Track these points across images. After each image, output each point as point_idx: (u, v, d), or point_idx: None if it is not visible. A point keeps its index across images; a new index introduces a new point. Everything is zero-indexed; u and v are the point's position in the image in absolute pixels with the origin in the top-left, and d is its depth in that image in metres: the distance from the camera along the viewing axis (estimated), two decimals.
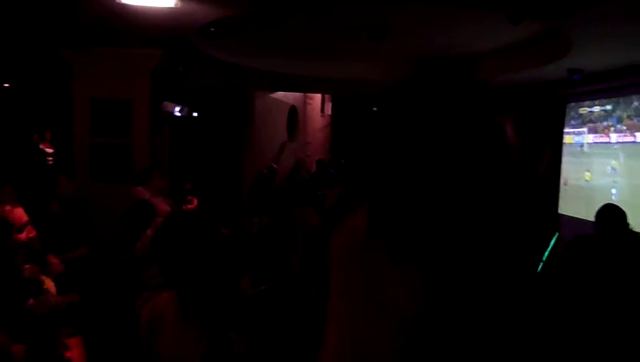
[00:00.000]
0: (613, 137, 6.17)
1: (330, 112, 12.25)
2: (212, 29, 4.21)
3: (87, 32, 4.48)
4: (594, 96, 6.23)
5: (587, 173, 6.68)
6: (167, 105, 5.24)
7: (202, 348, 1.73)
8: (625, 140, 5.97)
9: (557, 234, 1.49)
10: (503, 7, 3.23)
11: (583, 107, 6.50)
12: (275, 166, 7.70)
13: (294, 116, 10.05)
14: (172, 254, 1.74)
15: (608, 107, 6.09)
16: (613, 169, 6.24)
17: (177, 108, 5.38)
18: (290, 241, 5.86)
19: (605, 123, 6.32)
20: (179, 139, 5.91)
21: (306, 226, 5.67)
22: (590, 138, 6.60)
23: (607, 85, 5.80)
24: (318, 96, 11.33)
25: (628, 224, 2.89)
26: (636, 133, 5.75)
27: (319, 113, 11.72)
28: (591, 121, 6.64)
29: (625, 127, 5.99)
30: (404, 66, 5.68)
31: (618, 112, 6.00)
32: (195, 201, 5.62)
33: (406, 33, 4.22)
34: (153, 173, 3.95)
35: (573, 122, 6.89)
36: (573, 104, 6.64)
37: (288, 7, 3.71)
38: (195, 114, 5.91)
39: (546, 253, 1.32)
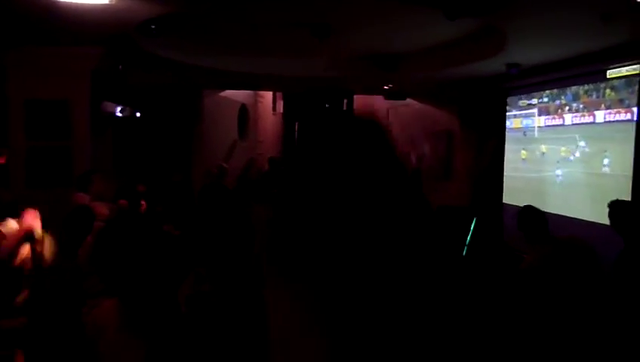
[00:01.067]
0: (568, 118, 5.76)
1: (281, 110, 12.20)
2: (152, 26, 4.10)
3: (20, 31, 4.27)
4: (531, 88, 6.46)
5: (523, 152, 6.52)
6: (108, 105, 5.07)
7: (142, 355, 1.69)
8: (582, 121, 5.54)
9: (474, 219, 1.62)
10: (440, 3, 3.31)
11: (522, 100, 6.74)
12: (224, 165, 7.60)
13: (245, 115, 9.96)
14: (110, 261, 1.69)
15: (545, 99, 6.34)
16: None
17: (119, 109, 5.21)
18: (244, 240, 5.79)
19: (558, 102, 5.92)
20: (123, 141, 5.72)
21: (260, 225, 5.64)
22: (541, 121, 6.27)
23: (544, 78, 6.04)
24: (269, 94, 11.27)
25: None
26: (596, 113, 5.32)
27: (271, 111, 11.66)
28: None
29: (582, 105, 5.57)
30: (351, 63, 5.73)
31: (557, 102, 6.15)
32: (145, 204, 5.48)
33: (348, 30, 4.25)
34: (93, 176, 3.83)
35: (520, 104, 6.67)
36: (514, 97, 6.88)
37: (227, 3, 3.66)
38: (138, 114, 5.73)
39: (468, 238, 1.47)
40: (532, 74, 5.87)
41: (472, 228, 1.46)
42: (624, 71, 5.00)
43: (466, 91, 7.07)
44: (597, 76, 5.32)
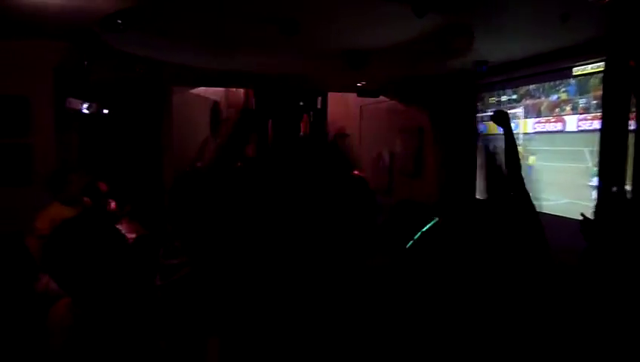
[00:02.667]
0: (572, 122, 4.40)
1: (253, 107, 12.10)
2: (119, 21, 3.99)
3: None
4: (501, 85, 6.53)
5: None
6: (73, 102, 4.93)
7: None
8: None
9: (435, 219, 1.62)
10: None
11: (492, 97, 6.79)
12: (198, 164, 7.49)
13: (217, 112, 9.85)
14: (59, 262, 1.64)
15: (514, 96, 6.42)
16: None
17: (85, 105, 5.07)
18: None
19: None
20: (90, 138, 5.57)
21: None
22: (529, 124, 5.11)
23: (512, 75, 6.11)
24: (240, 92, 11.17)
25: None
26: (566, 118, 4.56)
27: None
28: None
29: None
30: (322, 60, 5.72)
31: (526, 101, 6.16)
32: (113, 204, 5.34)
33: (316, 26, 4.23)
34: (69, 176, 3.66)
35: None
36: (484, 94, 6.95)
37: None
38: (105, 111, 5.59)
39: (418, 234, 1.48)
40: (501, 71, 5.95)
41: (427, 226, 1.45)
42: (589, 68, 5.11)
43: (436, 88, 7.13)
44: (563, 73, 5.42)
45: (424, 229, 1.54)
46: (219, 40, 4.89)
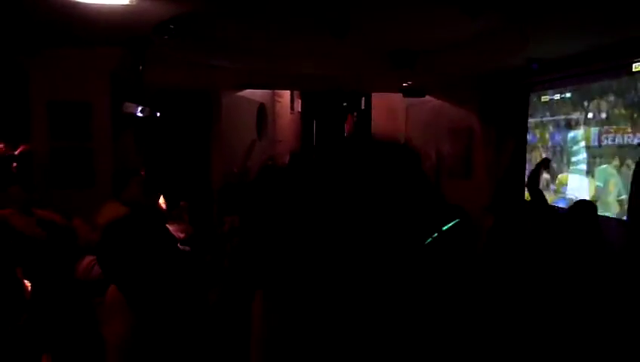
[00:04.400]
0: None
1: (300, 109, 12.21)
2: (171, 27, 4.12)
3: (40, 34, 4.34)
4: (553, 85, 6.29)
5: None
6: (129, 106, 5.13)
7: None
8: None
9: (457, 220, 1.62)
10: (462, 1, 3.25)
11: (545, 95, 6.56)
12: (248, 164, 7.64)
13: (263, 114, 9.99)
14: (112, 258, 1.70)
15: (568, 95, 6.17)
16: None
17: (139, 109, 5.27)
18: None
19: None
20: (143, 141, 5.78)
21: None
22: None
23: (565, 73, 5.89)
24: (287, 94, 11.29)
25: None
26: None
27: (289, 110, 11.68)
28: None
29: None
30: (368, 61, 5.70)
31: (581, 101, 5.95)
32: (164, 204, 5.51)
33: (367, 28, 4.22)
34: (130, 180, 3.72)
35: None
36: (536, 94, 6.73)
37: (246, 4, 3.66)
38: (157, 114, 5.79)
39: (436, 233, 1.53)
40: (553, 69, 5.73)
41: (449, 225, 1.47)
42: None
43: (486, 87, 6.96)
44: (621, 71, 5.17)
45: (444, 228, 1.57)
46: (267, 44, 4.97)
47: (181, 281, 1.77)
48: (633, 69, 5.04)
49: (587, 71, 5.59)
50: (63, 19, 3.86)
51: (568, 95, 6.10)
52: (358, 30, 4.01)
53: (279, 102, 11.13)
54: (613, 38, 4.60)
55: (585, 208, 3.35)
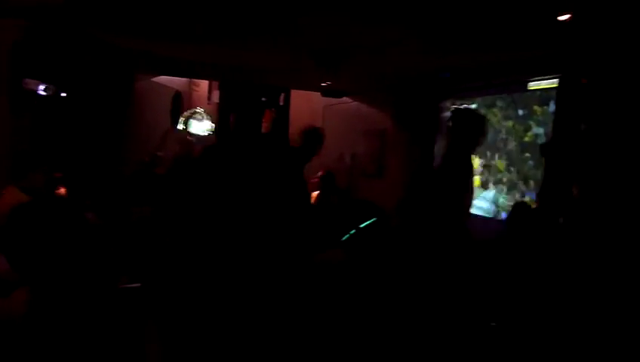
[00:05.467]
0: None
1: (217, 100, 11.96)
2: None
3: None
4: (463, 95, 6.69)
5: None
6: (30, 82, 4.73)
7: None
8: None
9: (374, 218, 1.79)
10: None
11: (455, 105, 6.95)
12: (159, 154, 7.35)
13: (179, 102, 9.68)
14: (22, 243, 1.62)
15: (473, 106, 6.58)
16: None
17: (42, 87, 4.87)
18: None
19: None
20: (45, 122, 5.35)
21: None
22: None
23: (474, 84, 6.29)
24: (204, 83, 11.01)
25: None
26: None
27: (206, 101, 11.41)
28: None
29: None
30: (292, 57, 5.73)
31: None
32: (63, 189, 5.17)
33: (286, 22, 4.25)
34: (36, 168, 3.47)
35: None
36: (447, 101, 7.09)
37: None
38: (63, 94, 5.38)
39: (353, 231, 1.70)
40: (464, 79, 6.13)
41: (365, 223, 1.62)
42: (544, 84, 5.33)
43: (400, 92, 7.28)
44: (519, 87, 5.62)
45: (361, 226, 1.72)
46: (188, 30, 4.83)
47: (85, 267, 1.72)
48: (528, 87, 5.50)
49: (489, 84, 6.04)
50: None
51: (474, 106, 6.55)
52: (280, 28, 4.04)
53: (196, 91, 10.83)
54: (511, 56, 5.03)
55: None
